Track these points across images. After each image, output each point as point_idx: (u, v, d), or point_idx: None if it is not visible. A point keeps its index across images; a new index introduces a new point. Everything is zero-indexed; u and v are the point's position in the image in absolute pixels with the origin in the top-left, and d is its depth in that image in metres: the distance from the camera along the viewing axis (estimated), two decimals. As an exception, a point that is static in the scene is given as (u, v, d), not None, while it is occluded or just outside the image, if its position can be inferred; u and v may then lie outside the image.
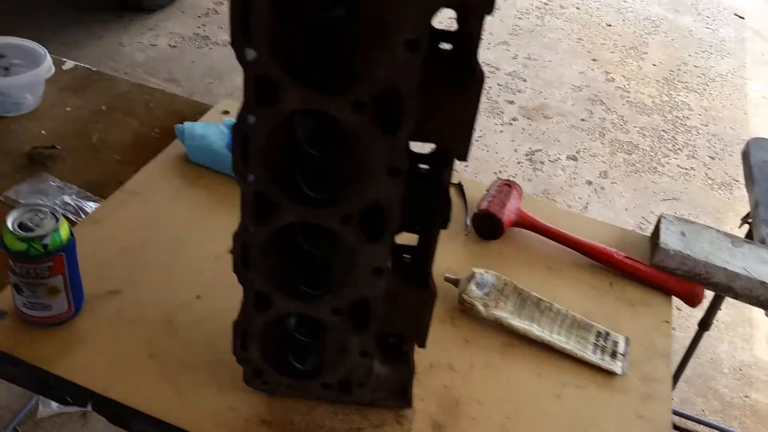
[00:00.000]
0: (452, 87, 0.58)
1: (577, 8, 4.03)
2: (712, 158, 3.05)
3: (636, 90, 3.40)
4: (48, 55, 1.20)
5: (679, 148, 3.06)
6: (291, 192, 0.65)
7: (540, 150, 2.87)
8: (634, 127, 3.13)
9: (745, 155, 1.54)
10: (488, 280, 0.98)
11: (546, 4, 4.03)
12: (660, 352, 0.98)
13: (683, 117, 3.28)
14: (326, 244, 0.70)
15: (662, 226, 1.09)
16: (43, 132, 1.18)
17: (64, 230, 0.80)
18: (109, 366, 0.83)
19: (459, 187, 1.21)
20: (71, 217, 1.02)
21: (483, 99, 2.95)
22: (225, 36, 3.22)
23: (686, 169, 2.95)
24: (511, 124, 3.00)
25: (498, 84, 3.25)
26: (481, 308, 0.94)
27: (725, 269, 1.05)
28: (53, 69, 1.20)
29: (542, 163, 2.81)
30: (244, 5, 0.54)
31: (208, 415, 0.80)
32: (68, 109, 1.24)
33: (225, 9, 3.40)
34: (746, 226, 1.49)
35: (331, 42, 0.57)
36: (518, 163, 2.78)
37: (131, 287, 0.92)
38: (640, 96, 3.36)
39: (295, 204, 0.65)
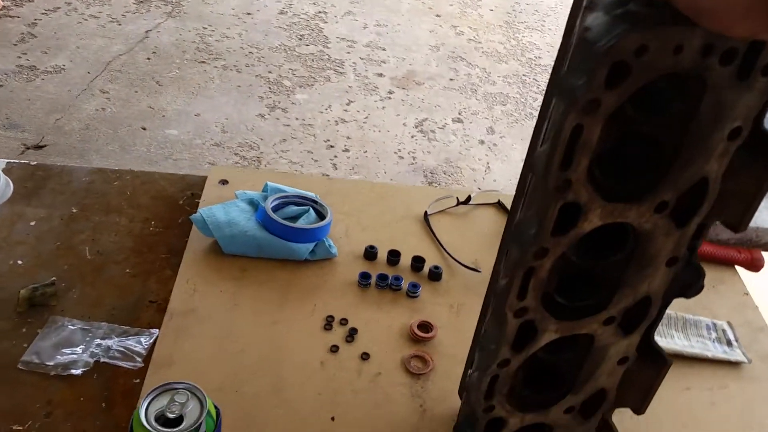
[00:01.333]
0: (749, 165, 0.52)
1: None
2: (574, 91, 3.22)
3: (486, 39, 3.48)
4: (1, 174, 0.95)
5: (543, 89, 3.18)
6: (555, 311, 0.56)
7: (426, 119, 2.86)
8: (498, 77, 3.21)
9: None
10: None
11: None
12: (758, 327, 1.00)
13: (535, 57, 3.41)
14: (569, 351, 0.62)
15: (712, 202, 1.11)
16: (20, 263, 0.94)
17: (211, 407, 0.64)
18: None
19: (500, 205, 1.14)
20: (126, 364, 0.83)
21: (353, 77, 2.87)
22: (55, 61, 2.82)
23: (556, 107, 3.08)
24: (389, 98, 2.95)
25: (361, 58, 3.17)
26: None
27: (775, 229, 1.09)
28: (11, 189, 0.96)
29: (433, 132, 2.80)
30: (572, 138, 0.43)
31: None
32: (32, 223, 1.00)
33: (42, 30, 2.98)
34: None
35: (642, 148, 0.48)
36: (412, 137, 2.74)
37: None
38: (491, 45, 3.44)
39: (559, 322, 0.56)
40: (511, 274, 0.52)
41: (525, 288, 0.53)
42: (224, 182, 1.09)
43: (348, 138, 2.67)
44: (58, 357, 0.83)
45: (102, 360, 0.83)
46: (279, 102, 2.81)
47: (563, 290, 0.57)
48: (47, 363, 0.83)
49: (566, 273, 0.56)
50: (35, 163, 1.11)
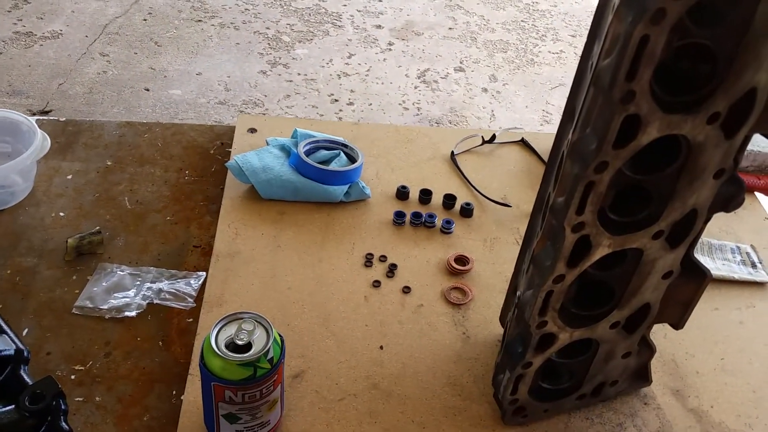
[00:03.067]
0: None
1: None
2: (573, 36, 3.21)
3: (482, -14, 3.44)
4: (38, 129, 0.96)
5: (543, 35, 3.18)
6: (608, 226, 0.59)
7: (428, 69, 2.85)
8: (497, 24, 3.20)
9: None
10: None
11: None
12: (781, 249, 1.04)
13: (533, 3, 3.39)
14: (618, 266, 0.64)
15: (731, 131, 1.13)
16: (61, 215, 0.96)
17: (275, 333, 0.67)
18: (350, 459, 0.73)
19: (524, 142, 1.17)
20: (179, 305, 0.86)
21: (351, 30, 2.84)
22: (52, 26, 2.79)
23: (557, 53, 3.08)
24: (390, 49, 2.94)
25: (358, 11, 3.15)
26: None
27: (792, 155, 1.12)
28: (48, 143, 0.97)
29: (436, 82, 2.79)
30: (638, 49, 0.45)
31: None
32: (69, 176, 1.02)
33: (35, -5, 2.94)
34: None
35: (697, 60, 0.50)
36: (415, 88, 2.74)
37: (311, 363, 0.80)
38: (488, -9, 3.41)
39: (612, 237, 0.59)
40: (570, 190, 0.55)
41: (584, 203, 0.55)
42: (253, 130, 1.11)
43: (351, 91, 2.67)
44: (111, 301, 0.86)
45: (155, 301, 0.86)
46: (280, 58, 2.80)
47: (616, 206, 0.60)
48: (101, 307, 0.85)
49: (621, 188, 0.59)
50: (64, 119, 1.12)
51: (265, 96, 2.59)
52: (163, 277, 0.89)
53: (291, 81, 2.69)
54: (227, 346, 0.65)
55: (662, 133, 0.52)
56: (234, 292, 0.87)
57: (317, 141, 1.05)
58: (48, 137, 0.97)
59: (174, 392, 0.77)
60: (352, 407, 0.76)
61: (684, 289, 0.71)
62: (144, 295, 0.87)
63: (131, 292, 0.87)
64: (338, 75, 2.75)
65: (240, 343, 0.65)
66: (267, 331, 0.66)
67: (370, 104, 2.62)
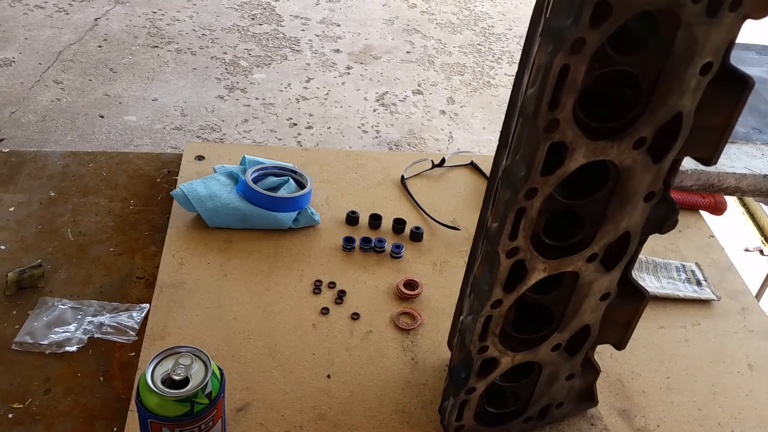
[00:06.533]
0: (720, 98, 0.56)
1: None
2: (529, 59, 3.26)
3: (439, 10, 3.49)
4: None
5: (498, 58, 3.22)
6: (543, 250, 0.59)
7: (387, 92, 2.87)
8: (453, 47, 3.24)
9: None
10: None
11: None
12: (725, 266, 1.06)
13: (489, 27, 3.44)
14: (556, 289, 0.65)
15: (674, 151, 1.16)
16: (2, 248, 0.94)
17: (214, 366, 0.66)
18: (296, 492, 0.72)
19: (473, 165, 1.17)
20: (121, 339, 0.84)
21: (310, 54, 2.87)
22: (4, 54, 2.75)
23: (512, 75, 3.13)
24: (348, 73, 2.95)
25: (316, 35, 3.16)
26: (588, 284, 0.95)
27: (733, 173, 1.15)
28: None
29: (394, 104, 2.81)
30: (559, 79, 0.46)
31: (424, 497, 0.73)
32: (11, 209, 1.00)
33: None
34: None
35: (620, 88, 0.51)
36: (374, 111, 2.76)
37: (256, 395, 0.79)
38: (444, 16, 3.46)
39: (547, 261, 0.59)
40: (503, 216, 0.55)
41: (516, 228, 0.56)
42: (200, 158, 1.10)
43: (310, 115, 2.67)
44: (52, 336, 0.84)
45: (96, 335, 0.84)
46: (237, 83, 2.79)
47: (549, 230, 0.60)
48: (41, 342, 0.83)
49: (552, 213, 0.59)
50: (7, 150, 1.10)
51: (223, 121, 2.58)
52: (105, 310, 0.87)
53: (249, 105, 2.68)
54: (163, 382, 0.64)
55: (589, 159, 0.53)
56: (177, 324, 0.85)
57: (266, 168, 1.04)
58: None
59: (115, 429, 0.75)
60: (298, 439, 0.75)
61: (623, 311, 0.71)
62: (85, 329, 0.85)
63: (72, 327, 0.85)
64: (297, 99, 2.75)
65: (177, 378, 0.64)
66: (205, 365, 0.65)
67: (329, 127, 2.62)
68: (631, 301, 0.71)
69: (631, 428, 0.81)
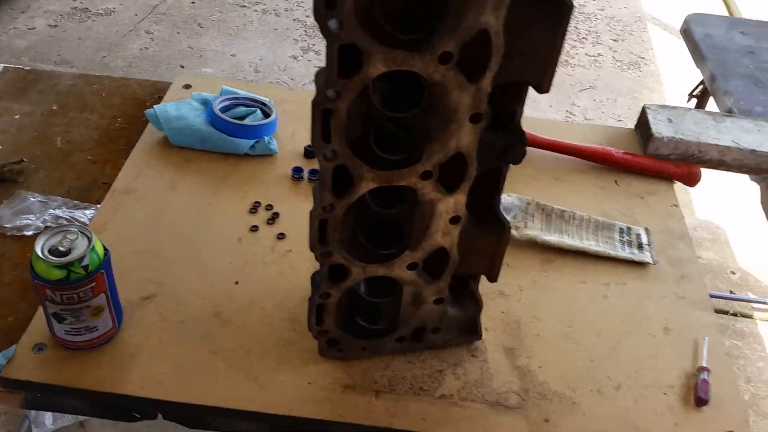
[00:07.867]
0: (539, 20, 0.57)
1: None
2: (615, 41, 3.16)
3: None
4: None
5: (583, 37, 3.14)
6: (370, 160, 0.63)
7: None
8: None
9: (686, 32, 1.60)
10: (512, 203, 1.00)
11: None
12: (678, 234, 1.03)
13: (579, 5, 3.35)
14: (398, 204, 0.68)
15: (650, 116, 1.13)
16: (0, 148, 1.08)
17: (98, 246, 0.75)
18: (175, 372, 0.79)
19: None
20: (69, 230, 0.95)
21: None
22: (106, 4, 3.00)
23: (594, 56, 3.04)
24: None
25: None
26: (513, 232, 0.96)
27: (716, 145, 1.10)
28: (-8, 76, 1.09)
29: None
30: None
31: (291, 394, 0.79)
32: (17, 116, 1.14)
33: (97, -25, 3.16)
34: (694, 100, 1.56)
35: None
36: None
37: (165, 288, 0.87)
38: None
39: (374, 171, 0.63)
40: (312, 117, 0.59)
41: (327, 130, 0.60)
42: (187, 86, 1.19)
43: (376, 80, 2.74)
44: (16, 221, 0.96)
45: (49, 225, 0.96)
46: (313, 45, 2.90)
47: (379, 141, 0.64)
48: (5, 225, 0.95)
49: (376, 125, 0.63)
50: (29, 68, 1.24)
51: (292, 79, 2.69)
52: (66, 206, 0.99)
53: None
54: (51, 252, 0.73)
55: (390, 68, 0.56)
56: (118, 222, 0.95)
57: (238, 98, 1.12)
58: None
59: (41, 301, 0.86)
60: (188, 329, 0.83)
61: (487, 241, 0.73)
62: (44, 219, 0.97)
63: (33, 216, 0.97)
64: (366, 64, 2.82)
65: (61, 249, 0.73)
66: (89, 241, 0.74)
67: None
68: (494, 233, 0.73)
69: (511, 365, 0.83)
